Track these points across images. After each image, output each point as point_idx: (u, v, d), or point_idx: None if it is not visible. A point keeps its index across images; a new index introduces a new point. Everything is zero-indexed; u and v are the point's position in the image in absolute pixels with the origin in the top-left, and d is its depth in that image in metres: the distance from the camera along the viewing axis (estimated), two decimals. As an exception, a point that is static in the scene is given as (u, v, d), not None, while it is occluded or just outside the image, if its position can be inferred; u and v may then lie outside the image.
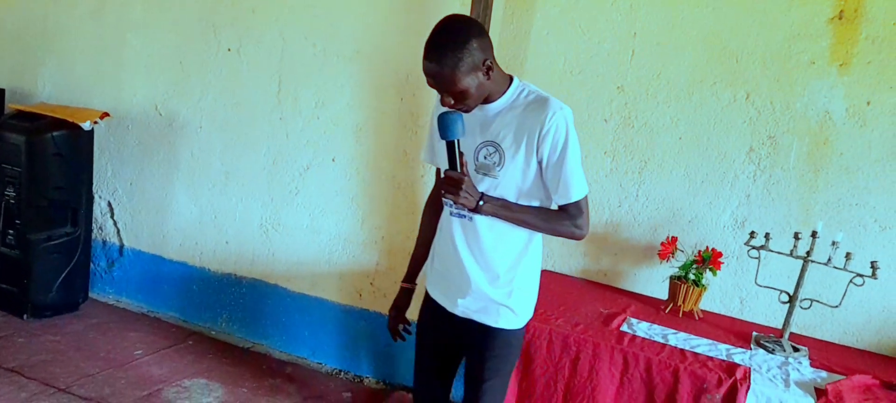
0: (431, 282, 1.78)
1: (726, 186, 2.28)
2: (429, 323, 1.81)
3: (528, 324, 1.74)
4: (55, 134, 2.94)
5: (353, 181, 2.85)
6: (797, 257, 2.01)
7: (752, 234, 2.07)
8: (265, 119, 2.96)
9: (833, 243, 1.93)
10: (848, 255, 1.94)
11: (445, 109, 1.52)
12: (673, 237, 2.27)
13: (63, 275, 3.10)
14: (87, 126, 3.01)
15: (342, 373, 2.99)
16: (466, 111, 1.52)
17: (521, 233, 1.62)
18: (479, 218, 1.59)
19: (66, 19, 3.31)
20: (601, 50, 2.37)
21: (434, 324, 1.78)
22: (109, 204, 3.38)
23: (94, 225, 3.36)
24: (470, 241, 1.62)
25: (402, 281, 1.87)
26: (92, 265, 3.38)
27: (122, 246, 3.39)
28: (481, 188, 1.56)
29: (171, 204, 3.23)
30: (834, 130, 2.14)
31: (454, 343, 1.77)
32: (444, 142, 1.51)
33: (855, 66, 2.09)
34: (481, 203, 1.52)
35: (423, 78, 1.50)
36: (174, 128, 3.15)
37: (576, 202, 1.58)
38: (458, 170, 1.50)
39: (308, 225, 2.96)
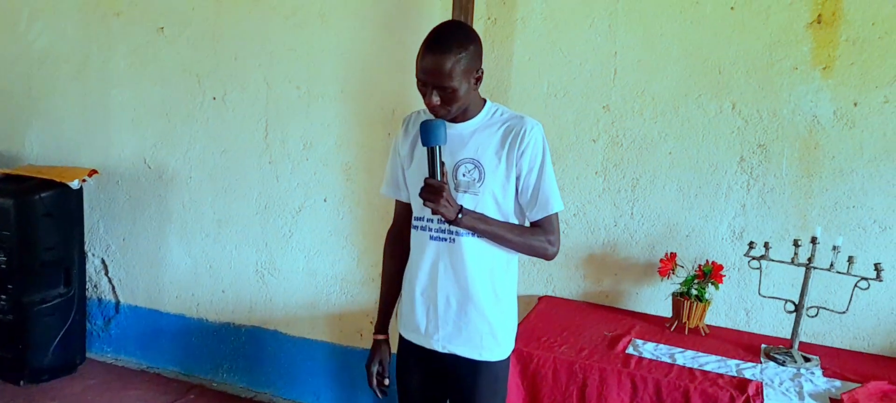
0: (404, 323, 1.72)
1: (720, 198, 2.26)
2: (408, 368, 1.73)
3: (531, 353, 1.70)
4: (43, 194, 2.92)
5: (346, 220, 2.82)
6: (799, 264, 1.98)
7: (751, 245, 2.04)
8: (254, 164, 2.94)
9: (834, 248, 1.90)
10: (850, 259, 1.91)
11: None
12: (672, 253, 2.24)
13: (59, 337, 3.05)
14: (75, 184, 2.99)
15: (347, 416, 2.93)
16: (446, 118, 1.52)
17: (500, 256, 1.61)
18: (462, 241, 1.57)
19: (50, 80, 3.31)
20: (584, 71, 2.37)
21: (414, 369, 1.72)
22: (103, 262, 3.35)
23: (88, 283, 3.32)
24: (451, 266, 1.59)
25: (376, 333, 1.79)
26: (88, 324, 3.33)
27: (117, 302, 3.35)
28: (462, 204, 1.54)
29: (165, 257, 3.20)
30: (823, 134, 2.12)
31: (438, 385, 1.71)
32: (419, 160, 1.54)
33: (838, 69, 2.08)
34: (460, 215, 1.50)
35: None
36: (164, 181, 3.14)
37: (550, 217, 1.59)
38: (439, 178, 1.48)
39: (304, 267, 2.93)
